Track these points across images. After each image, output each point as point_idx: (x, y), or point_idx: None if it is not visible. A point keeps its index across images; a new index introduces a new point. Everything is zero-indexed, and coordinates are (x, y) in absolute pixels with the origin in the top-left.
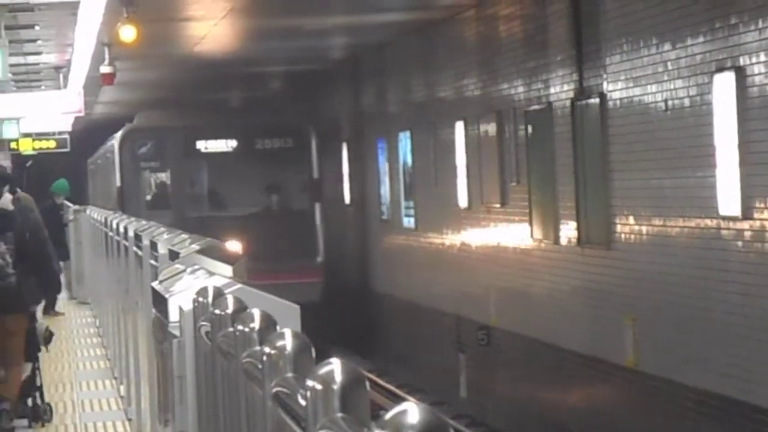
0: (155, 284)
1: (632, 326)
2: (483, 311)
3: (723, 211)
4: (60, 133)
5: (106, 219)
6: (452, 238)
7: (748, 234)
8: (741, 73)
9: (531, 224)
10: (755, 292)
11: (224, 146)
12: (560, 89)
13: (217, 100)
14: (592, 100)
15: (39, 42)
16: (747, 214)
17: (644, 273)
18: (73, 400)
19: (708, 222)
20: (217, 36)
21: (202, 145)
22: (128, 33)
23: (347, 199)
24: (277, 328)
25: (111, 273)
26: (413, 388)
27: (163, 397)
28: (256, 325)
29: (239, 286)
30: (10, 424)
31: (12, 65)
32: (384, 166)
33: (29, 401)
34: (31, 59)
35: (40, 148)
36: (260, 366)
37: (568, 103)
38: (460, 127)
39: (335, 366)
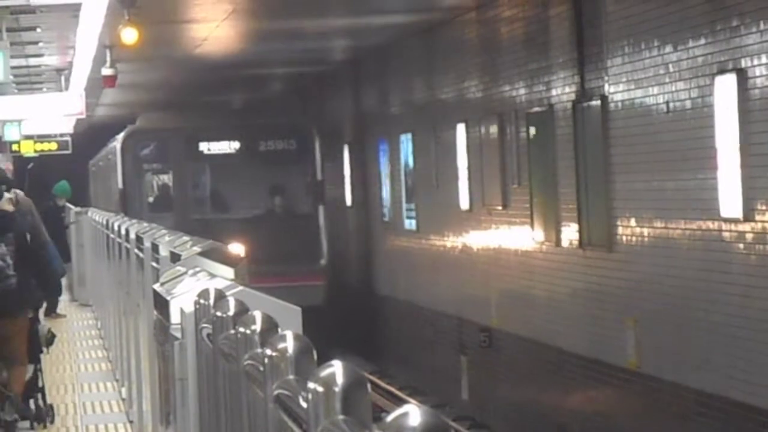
0: (157, 286)
1: (634, 328)
2: (484, 313)
3: (724, 213)
4: (61, 135)
5: (107, 221)
6: (454, 240)
7: (749, 236)
8: (742, 75)
9: (532, 226)
10: (757, 293)
11: (227, 148)
12: (562, 91)
13: (218, 102)
14: (593, 102)
15: (40, 44)
16: (748, 216)
17: (646, 275)
18: (74, 402)
19: (709, 224)
20: (219, 38)
21: (204, 147)
22: (130, 35)
23: (348, 201)
24: (279, 330)
25: (112, 275)
26: (415, 390)
27: (164, 399)
28: (257, 327)
29: (241, 288)
30: (13, 415)
31: (13, 67)
32: (385, 168)
33: (31, 403)
34: (32, 61)
35: (42, 150)
36: (261, 368)
37: (569, 105)
38: (461, 129)
39: (337, 368)
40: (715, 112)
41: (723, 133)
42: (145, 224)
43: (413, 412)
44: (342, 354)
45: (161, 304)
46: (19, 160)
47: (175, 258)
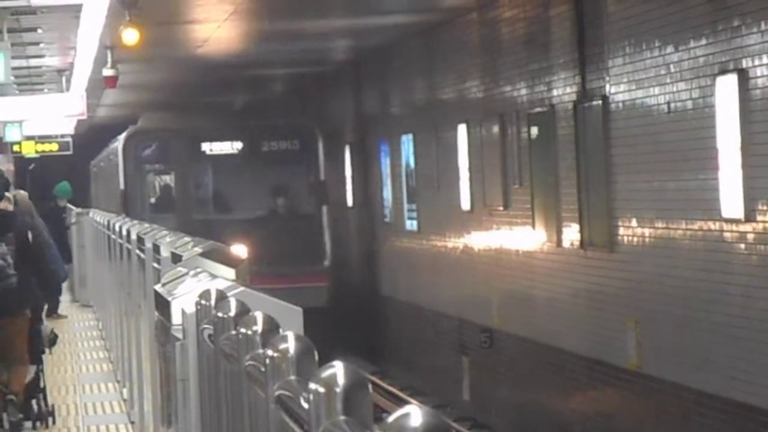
0: (158, 287)
1: (635, 328)
2: (486, 314)
3: (726, 213)
4: (62, 135)
5: (108, 222)
6: (455, 241)
7: (750, 236)
8: (743, 76)
9: (533, 227)
10: (758, 294)
11: (230, 148)
12: (563, 92)
13: (219, 102)
14: (594, 103)
15: (42, 45)
16: (750, 216)
17: (647, 275)
18: (76, 403)
19: (711, 224)
20: (220, 39)
21: (207, 147)
22: (131, 36)
23: (350, 202)
24: (280, 330)
25: (114, 276)
26: (416, 390)
27: (165, 400)
28: (258, 328)
29: (242, 288)
30: (17, 416)
31: (14, 68)
32: (386, 169)
33: (33, 403)
34: (33, 62)
35: (43, 151)
36: (263, 369)
37: (570, 105)
38: (462, 129)
39: (338, 369)
40: (717, 113)
41: (724, 134)
42: (147, 225)
43: (414, 413)
44: (343, 355)
45: (162, 305)
46: (21, 161)
47: (176, 259)
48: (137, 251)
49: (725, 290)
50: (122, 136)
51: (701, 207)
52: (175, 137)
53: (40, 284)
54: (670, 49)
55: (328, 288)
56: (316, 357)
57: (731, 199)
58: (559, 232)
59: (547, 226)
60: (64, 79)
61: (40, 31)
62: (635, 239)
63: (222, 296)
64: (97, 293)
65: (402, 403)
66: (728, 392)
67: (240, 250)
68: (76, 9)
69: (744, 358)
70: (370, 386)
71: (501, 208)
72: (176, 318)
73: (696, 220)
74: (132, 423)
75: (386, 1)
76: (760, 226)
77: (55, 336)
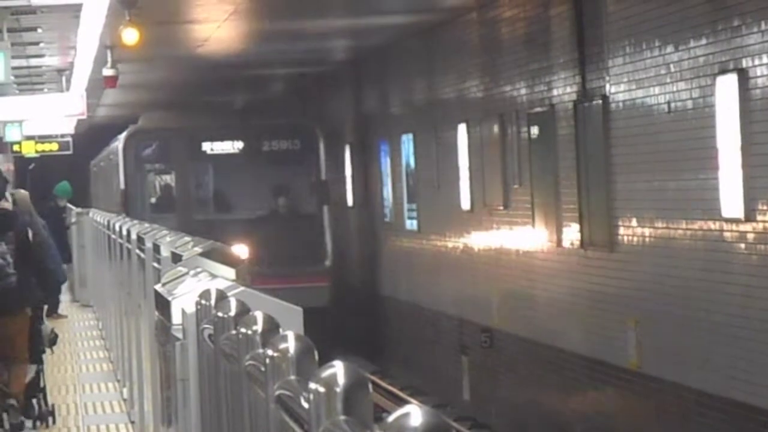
0: (158, 287)
1: (635, 328)
2: (486, 313)
3: (726, 213)
4: (62, 135)
5: (108, 222)
6: (455, 241)
7: (750, 236)
8: (744, 75)
9: (534, 226)
10: (758, 294)
11: (230, 148)
12: (563, 91)
13: (219, 102)
14: (594, 103)
15: (41, 45)
16: (750, 216)
17: (647, 275)
18: (76, 403)
19: (711, 224)
20: (220, 38)
21: (207, 146)
22: (130, 36)
23: (350, 201)
24: (280, 330)
25: (114, 276)
26: (416, 390)
27: (166, 399)
28: (258, 327)
29: (242, 288)
30: (18, 418)
31: (14, 68)
32: (386, 169)
33: (34, 403)
34: (33, 62)
35: (43, 151)
36: (263, 368)
37: (570, 105)
38: (462, 129)
39: (338, 368)
40: (717, 112)
41: (724, 133)
42: (146, 225)
43: (414, 413)
44: (343, 354)
45: (162, 305)
46: (21, 161)
47: (176, 258)
48: (137, 251)
49: (725, 290)
50: (123, 136)
51: (701, 207)
52: (175, 137)
53: (40, 284)
54: (670, 48)
55: (330, 288)
56: (316, 357)
57: (731, 198)
58: (559, 232)
59: (547, 226)
60: (64, 78)
61: (40, 30)
62: (635, 239)
63: (222, 296)
64: (97, 293)
65: (402, 402)
66: (728, 392)
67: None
68: (76, 9)
69: (744, 357)
70: (370, 386)
71: (501, 208)
72: (176, 318)
73: (696, 220)
74: (132, 423)
75: (386, 1)
76: (760, 225)
77: (56, 335)
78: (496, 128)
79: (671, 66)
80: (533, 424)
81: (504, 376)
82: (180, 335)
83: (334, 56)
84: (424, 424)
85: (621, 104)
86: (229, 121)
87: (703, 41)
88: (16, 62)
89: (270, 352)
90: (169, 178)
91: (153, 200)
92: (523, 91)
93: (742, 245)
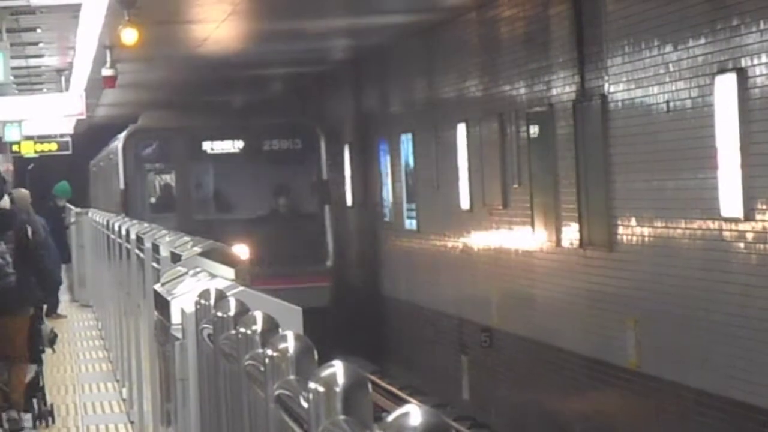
0: (157, 287)
1: (634, 328)
2: (485, 313)
3: (725, 212)
4: (62, 135)
5: (108, 222)
6: (454, 240)
7: (750, 236)
8: (742, 75)
9: (533, 226)
10: (757, 293)
11: (231, 147)
12: (562, 91)
13: (218, 102)
14: (593, 102)
15: (41, 45)
16: (749, 215)
17: (646, 275)
18: (75, 403)
19: (710, 224)
20: (219, 38)
21: (208, 146)
22: (130, 36)
23: (349, 201)
24: (280, 330)
25: (113, 276)
26: (415, 390)
27: (165, 399)
28: (258, 327)
29: (241, 288)
30: (19, 425)
31: (14, 68)
32: (386, 169)
33: (34, 402)
34: (32, 62)
35: (42, 151)
36: (262, 368)
37: (569, 104)
38: (461, 128)
39: (337, 368)
40: (716, 112)
41: (723, 133)
42: (146, 225)
43: (414, 412)
44: (343, 354)
45: (162, 305)
46: (20, 161)
47: (175, 258)
48: (136, 251)
49: (724, 289)
50: (122, 135)
51: (700, 206)
52: (175, 136)
53: (39, 283)
54: (669, 48)
55: (331, 288)
56: (316, 356)
57: (730, 198)
58: (558, 232)
59: (546, 226)
60: (63, 78)
61: (39, 30)
62: (634, 238)
63: (221, 296)
64: (96, 293)
65: (402, 402)
66: (727, 391)
67: (242, 250)
68: (75, 9)
69: (743, 357)
70: (369, 385)
71: (500, 208)
72: (176, 317)
73: (695, 220)
74: (131, 423)
75: (385, 0)
76: (759, 225)
77: (55, 335)
78: (495, 128)
79: (670, 65)
80: (532, 423)
81: (503, 376)
82: (179, 335)
83: (334, 56)
84: (424, 424)
85: (620, 104)
86: (230, 121)
87: (702, 41)
88: (16, 62)
89: (269, 351)
90: (169, 178)
91: (153, 200)
92: (522, 91)
93: (741, 245)
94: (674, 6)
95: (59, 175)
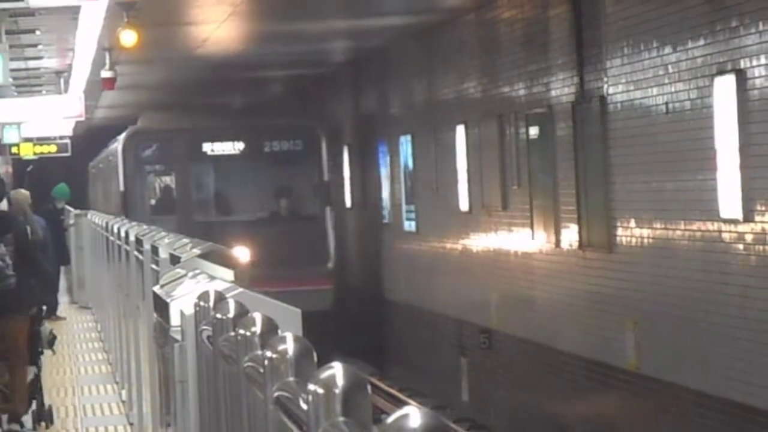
0: (156, 288)
1: (633, 329)
2: (484, 315)
3: (724, 214)
4: (61, 137)
5: (107, 224)
6: (453, 242)
7: (749, 237)
8: (741, 76)
9: (532, 228)
10: (756, 294)
11: (231, 149)
12: (561, 92)
13: (218, 103)
14: (593, 103)
15: (40, 46)
16: (748, 217)
17: (645, 276)
18: (74, 405)
19: (709, 225)
20: (219, 40)
21: (208, 147)
22: (129, 37)
23: (348, 203)
24: (279, 332)
25: (112, 277)
26: (415, 391)
27: (164, 401)
28: (257, 329)
29: (240, 290)
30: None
31: (13, 70)
32: (385, 170)
33: (33, 403)
34: (32, 64)
35: (41, 153)
36: (262, 370)
37: (569, 106)
38: (461, 130)
39: (337, 370)
40: (715, 113)
41: (722, 134)
42: (145, 227)
43: (413, 414)
44: (341, 356)
45: (161, 307)
46: (19, 163)
47: (174, 260)
48: (136, 253)
49: (724, 291)
50: (122, 137)
51: (699, 207)
52: (175, 137)
53: (38, 285)
54: (668, 49)
55: (332, 291)
56: (315, 358)
57: (729, 199)
58: (557, 233)
59: (545, 227)
60: (62, 80)
61: (38, 32)
62: (634, 240)
63: (221, 297)
64: (95, 295)
65: (401, 404)
66: (726, 392)
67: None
68: (75, 11)
69: (742, 358)
70: (369, 387)
71: (499, 209)
72: (175, 319)
73: (694, 221)
74: (131, 424)
75: (385, 2)
76: (759, 226)
77: (54, 337)
78: (494, 129)
79: (669, 67)
80: (532, 425)
81: (503, 378)
82: (178, 337)
83: (333, 57)
84: (423, 426)
85: (619, 105)
86: (230, 122)
87: (701, 42)
88: (15, 64)
89: (269, 353)
90: (169, 180)
91: (153, 202)
92: (521, 92)
93: (741, 246)
94: (673, 7)
95: (58, 177)
